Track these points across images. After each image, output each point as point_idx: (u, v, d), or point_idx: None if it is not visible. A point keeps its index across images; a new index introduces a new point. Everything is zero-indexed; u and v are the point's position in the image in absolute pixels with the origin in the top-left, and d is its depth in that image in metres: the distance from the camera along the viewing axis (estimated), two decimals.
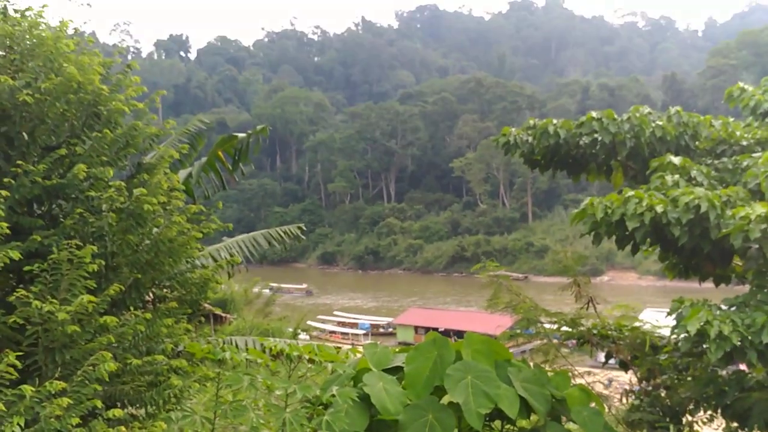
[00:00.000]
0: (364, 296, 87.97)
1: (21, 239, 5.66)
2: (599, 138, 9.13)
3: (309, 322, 52.14)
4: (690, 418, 8.38)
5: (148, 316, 6.13)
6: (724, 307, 7.05)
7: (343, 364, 5.76)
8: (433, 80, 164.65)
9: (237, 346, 8.45)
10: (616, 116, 9.25)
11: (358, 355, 6.33)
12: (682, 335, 6.91)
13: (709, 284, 8.69)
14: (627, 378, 9.57)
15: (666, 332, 8.22)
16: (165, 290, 7.12)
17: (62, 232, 5.88)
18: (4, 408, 4.52)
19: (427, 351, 5.52)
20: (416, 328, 57.74)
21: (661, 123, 9.19)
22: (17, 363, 4.77)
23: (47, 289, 5.32)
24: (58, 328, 5.20)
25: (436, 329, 42.26)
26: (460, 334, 39.01)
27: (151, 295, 7.15)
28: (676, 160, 8.32)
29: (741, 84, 9.63)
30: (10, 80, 6.03)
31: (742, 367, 7.90)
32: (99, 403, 4.99)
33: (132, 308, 6.38)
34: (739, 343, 6.38)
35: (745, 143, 9.20)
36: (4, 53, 6.47)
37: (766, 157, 7.61)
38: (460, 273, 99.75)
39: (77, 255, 5.36)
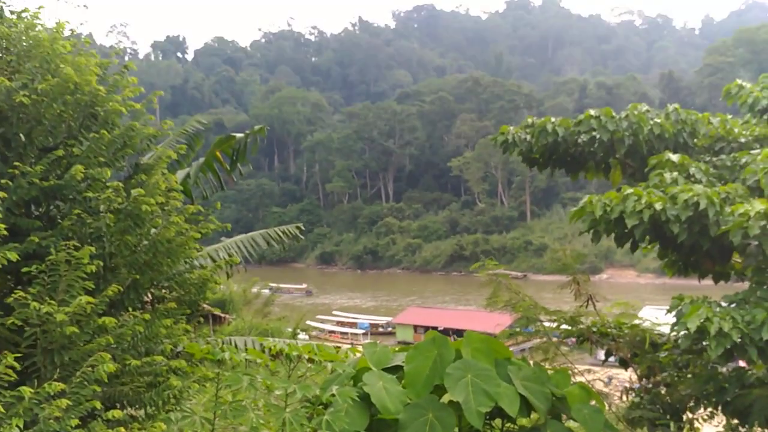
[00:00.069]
0: (362, 296, 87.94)
1: (19, 240, 5.65)
2: (597, 136, 9.13)
3: (308, 322, 52.13)
4: (690, 415, 8.37)
5: (147, 316, 6.12)
6: (723, 304, 7.04)
7: (342, 364, 5.74)
8: (431, 80, 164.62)
9: (236, 346, 8.43)
10: (614, 114, 9.25)
11: (358, 355, 6.32)
12: (682, 332, 6.90)
13: (708, 281, 8.68)
14: (627, 376, 9.56)
15: (666, 330, 8.22)
16: (163, 291, 7.11)
17: (60, 233, 5.86)
18: (3, 410, 4.50)
19: (426, 350, 5.52)
20: (415, 327, 57.74)
21: (659, 121, 9.19)
22: (16, 364, 4.76)
23: (45, 290, 5.31)
24: (57, 330, 5.18)
25: (435, 328, 42.27)
26: (459, 332, 39.03)
27: (149, 295, 7.13)
28: (675, 157, 8.31)
29: (739, 81, 9.63)
30: (7, 81, 6.02)
31: (742, 364, 7.91)
32: (98, 404, 4.97)
33: (131, 309, 6.36)
34: (739, 340, 6.38)
35: (743, 140, 9.20)
36: (0, 55, 6.45)
37: (765, 154, 7.60)
38: (459, 272, 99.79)
39: (75, 256, 5.35)
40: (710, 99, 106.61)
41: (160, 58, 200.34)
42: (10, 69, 6.36)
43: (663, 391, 8.56)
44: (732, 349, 6.45)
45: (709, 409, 8.22)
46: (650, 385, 8.75)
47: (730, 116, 9.70)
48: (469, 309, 61.36)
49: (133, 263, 6.35)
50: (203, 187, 10.36)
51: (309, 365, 5.96)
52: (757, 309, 6.55)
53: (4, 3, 6.78)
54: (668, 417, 8.25)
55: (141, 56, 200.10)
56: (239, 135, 10.46)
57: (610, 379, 11.04)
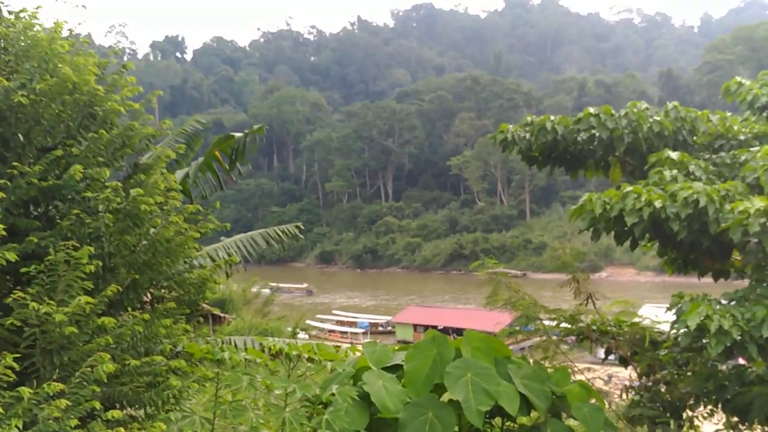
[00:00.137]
0: (362, 295, 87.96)
1: (17, 241, 5.64)
2: (597, 134, 9.13)
3: (308, 322, 52.12)
4: (690, 413, 8.37)
5: (146, 316, 6.11)
6: (723, 301, 7.04)
7: (342, 363, 5.74)
8: (430, 78, 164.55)
9: (236, 345, 8.43)
10: (613, 112, 9.25)
11: (358, 354, 6.32)
12: (682, 330, 6.90)
13: (707, 279, 8.68)
14: (627, 374, 9.56)
15: (665, 327, 8.21)
16: (163, 291, 7.09)
17: (59, 233, 5.85)
18: (2, 410, 4.49)
19: (426, 349, 5.51)
20: (415, 326, 57.73)
21: (658, 118, 9.19)
22: (15, 365, 4.75)
23: (44, 290, 5.30)
24: (56, 330, 5.17)
25: (435, 327, 42.26)
26: (459, 331, 39.01)
27: (149, 295, 7.12)
28: (674, 155, 8.31)
29: (738, 78, 9.62)
30: (5, 81, 6.01)
31: (742, 361, 7.90)
32: (97, 405, 4.96)
33: (130, 309, 6.35)
34: (739, 338, 6.38)
35: (742, 138, 9.20)
36: None
37: (764, 151, 7.60)
38: (459, 271, 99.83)
39: (74, 256, 5.34)
40: (709, 97, 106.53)
41: (159, 58, 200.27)
42: (8, 69, 6.35)
43: (663, 389, 8.55)
44: (732, 346, 6.46)
45: (709, 407, 8.21)
46: (650, 383, 8.74)
47: (729, 114, 9.70)
48: (469, 308, 61.37)
49: (132, 263, 6.34)
50: (202, 186, 10.35)
51: (309, 365, 5.95)
52: (757, 306, 6.54)
53: (2, 3, 6.77)
54: (668, 415, 8.25)
55: (140, 56, 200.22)
56: (238, 134, 10.45)
57: (610, 377, 11.04)
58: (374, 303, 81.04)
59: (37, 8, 6.68)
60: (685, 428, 8.35)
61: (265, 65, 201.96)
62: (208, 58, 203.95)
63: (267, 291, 50.15)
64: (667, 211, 7.07)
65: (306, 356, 5.77)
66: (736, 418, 7.81)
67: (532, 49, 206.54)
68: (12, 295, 5.19)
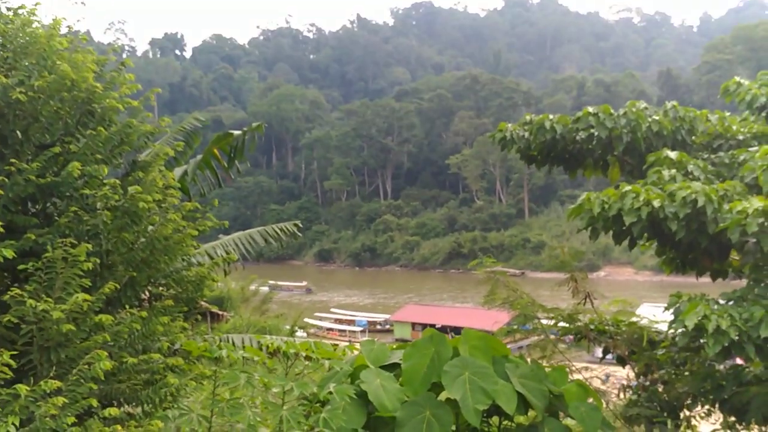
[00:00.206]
0: (360, 293, 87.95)
1: (15, 238, 5.63)
2: (596, 133, 9.12)
3: (306, 320, 52.10)
4: (688, 412, 8.37)
5: (144, 314, 6.11)
6: (721, 301, 7.04)
7: (340, 361, 5.74)
8: (429, 77, 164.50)
9: (234, 343, 8.42)
10: (612, 111, 9.24)
11: (355, 352, 6.31)
12: (680, 330, 6.90)
13: (706, 279, 8.68)
14: (624, 373, 9.56)
15: (663, 327, 8.21)
16: (161, 288, 7.09)
17: (57, 230, 5.85)
18: None
19: (424, 347, 5.51)
20: (413, 324, 57.67)
21: (657, 118, 9.19)
22: (12, 362, 4.75)
23: (42, 287, 5.30)
24: (53, 327, 5.17)
25: (433, 326, 42.23)
26: (457, 330, 38.97)
27: (147, 293, 7.12)
28: (673, 154, 8.31)
29: (737, 78, 9.61)
30: (3, 78, 6.01)
31: (740, 361, 7.91)
32: (95, 402, 4.96)
33: (128, 306, 6.35)
34: (737, 338, 6.37)
35: (741, 137, 9.20)
36: None
37: (763, 151, 7.59)
38: (457, 269, 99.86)
39: (72, 253, 5.33)
40: (708, 96, 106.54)
41: (158, 56, 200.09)
42: (6, 66, 6.34)
43: (660, 389, 8.56)
44: (729, 346, 6.45)
45: (707, 407, 8.21)
46: (648, 383, 8.75)
47: (728, 113, 9.70)
48: (467, 306, 61.36)
49: (130, 260, 6.34)
50: (201, 184, 10.34)
51: (306, 363, 5.96)
52: (755, 306, 6.55)
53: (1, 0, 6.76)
54: (665, 414, 8.25)
55: (139, 53, 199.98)
56: (237, 132, 10.44)
57: (608, 376, 11.02)
58: (372, 301, 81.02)
59: (35, 5, 6.67)
60: (682, 428, 8.35)
61: (264, 63, 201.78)
62: (208, 56, 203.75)
63: (265, 289, 50.11)
64: (666, 211, 7.07)
65: (304, 354, 5.77)
66: (733, 418, 7.82)
67: (531, 47, 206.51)
68: (9, 292, 5.19)
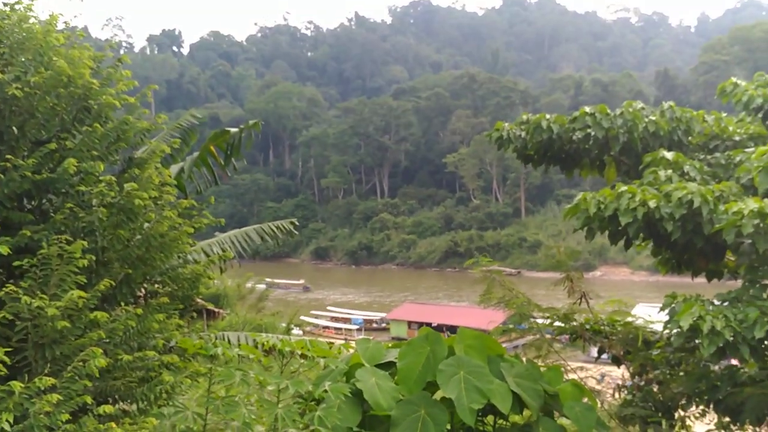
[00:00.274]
0: (356, 291, 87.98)
1: (10, 234, 5.61)
2: (592, 133, 9.13)
3: (302, 317, 52.10)
4: (682, 413, 8.39)
5: (139, 311, 6.10)
6: (716, 302, 7.06)
7: (335, 360, 5.73)
8: (427, 76, 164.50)
9: (229, 341, 8.41)
10: (609, 111, 9.25)
11: (351, 351, 6.31)
12: (675, 330, 6.92)
13: (701, 279, 8.70)
14: (619, 373, 9.57)
15: (658, 327, 8.23)
16: (156, 286, 7.08)
17: (52, 227, 5.83)
18: None
19: (419, 346, 5.51)
20: (409, 323, 57.74)
21: (654, 118, 9.20)
22: (6, 359, 4.73)
23: (37, 284, 5.28)
24: (48, 324, 5.15)
25: (429, 324, 42.22)
26: (453, 329, 39.03)
27: (142, 290, 7.10)
28: (669, 155, 8.33)
29: (734, 79, 9.63)
30: (0, 74, 5.98)
31: (735, 362, 7.92)
32: (89, 399, 4.94)
33: (123, 304, 6.33)
34: (731, 339, 6.39)
35: (737, 138, 9.22)
36: None
37: (759, 152, 7.60)
38: (453, 268, 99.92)
39: (67, 250, 5.31)
40: (705, 97, 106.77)
41: (156, 52, 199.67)
42: (2, 61, 6.31)
43: (655, 389, 8.58)
44: (724, 347, 6.47)
45: (701, 407, 8.24)
46: (643, 383, 8.76)
47: (725, 114, 9.71)
48: (464, 305, 61.42)
49: (125, 258, 6.32)
50: (197, 181, 10.32)
51: (302, 361, 5.95)
52: (750, 307, 6.56)
53: None
54: (660, 414, 8.27)
55: (137, 50, 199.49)
56: (233, 130, 10.42)
57: (603, 376, 11.03)
58: (368, 299, 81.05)
59: (32, 0, 6.65)
60: (676, 428, 8.37)
61: (262, 60, 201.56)
62: (205, 53, 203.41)
63: (262, 286, 50.08)
64: (662, 211, 7.09)
65: (299, 353, 5.77)
66: (727, 419, 7.84)
67: (529, 47, 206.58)
68: (4, 289, 5.16)
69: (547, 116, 9.57)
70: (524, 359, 6.13)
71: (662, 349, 8.63)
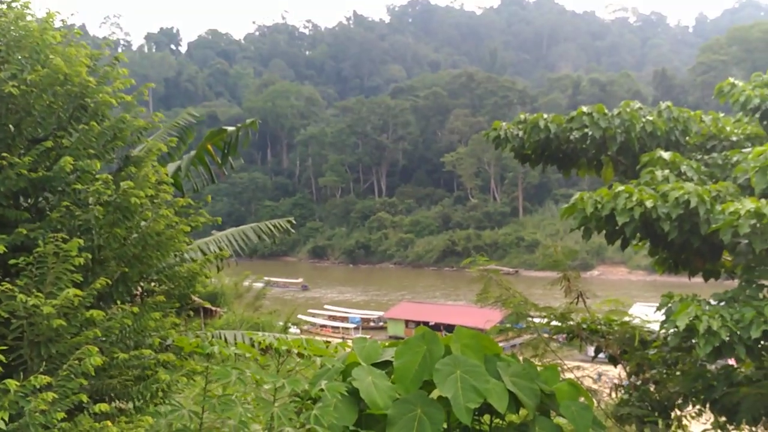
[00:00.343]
0: (354, 290, 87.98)
1: (7, 232, 5.61)
2: (590, 133, 9.13)
3: (300, 316, 52.07)
4: (678, 412, 8.39)
5: (136, 310, 6.09)
6: (713, 302, 7.06)
7: (332, 359, 5.73)
8: (425, 75, 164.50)
9: (226, 340, 8.41)
10: (606, 111, 9.25)
11: (348, 350, 6.31)
12: (671, 330, 6.92)
13: (699, 279, 8.71)
14: (616, 372, 9.58)
15: (655, 327, 8.24)
16: (153, 284, 7.07)
17: (48, 225, 5.82)
18: None
19: (416, 345, 5.51)
20: (407, 322, 57.74)
21: (651, 118, 9.20)
22: (2, 357, 4.73)
23: (33, 282, 5.27)
24: (44, 322, 5.15)
25: (426, 323, 42.21)
26: (450, 328, 38.96)
27: (139, 289, 7.10)
28: (666, 155, 8.33)
29: (731, 79, 9.64)
30: None
31: (731, 362, 7.93)
32: (85, 398, 4.94)
33: (119, 302, 6.32)
34: (727, 338, 6.39)
35: (735, 139, 9.23)
36: None
37: (755, 153, 7.61)
38: (451, 267, 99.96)
39: (63, 248, 5.31)
40: (703, 97, 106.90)
41: (154, 50, 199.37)
42: None
43: (652, 388, 8.58)
44: (720, 347, 6.47)
45: (698, 407, 8.24)
46: (639, 382, 8.77)
47: (722, 114, 9.72)
48: (462, 305, 61.42)
49: (122, 256, 6.31)
50: (194, 180, 10.31)
51: (299, 360, 5.95)
52: (746, 308, 6.57)
53: None
54: (657, 414, 8.27)
55: (134, 48, 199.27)
56: (231, 128, 10.40)
57: (600, 375, 11.04)
58: (366, 298, 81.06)
59: None
60: (673, 427, 8.38)
61: (260, 59, 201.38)
62: (203, 51, 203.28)
63: (259, 285, 50.03)
64: (658, 211, 7.09)
65: (296, 351, 5.76)
66: (723, 418, 7.84)
67: (527, 46, 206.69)
68: (0, 287, 5.16)
69: (545, 116, 9.58)
70: (521, 358, 6.13)
71: (659, 349, 8.63)
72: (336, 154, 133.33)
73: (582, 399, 5.79)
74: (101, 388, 5.80)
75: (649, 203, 7.12)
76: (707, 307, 6.75)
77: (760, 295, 6.95)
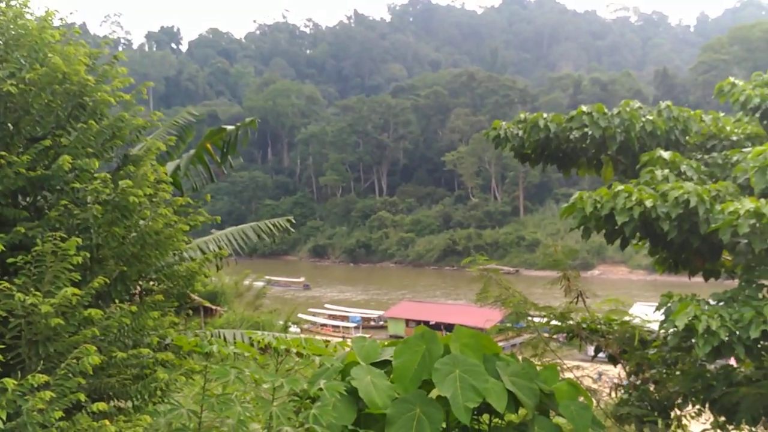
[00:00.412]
0: (354, 289, 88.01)
1: (5, 231, 5.61)
2: (589, 132, 9.12)
3: (300, 315, 52.07)
4: (678, 412, 8.38)
5: (134, 308, 6.08)
6: (712, 302, 7.05)
7: (331, 358, 5.72)
8: (426, 74, 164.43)
9: (225, 339, 8.40)
10: (606, 110, 9.23)
11: (347, 349, 6.30)
12: (671, 330, 6.91)
13: (699, 278, 8.70)
14: (616, 372, 9.57)
15: (655, 327, 8.23)
16: (151, 283, 7.07)
17: (47, 223, 5.82)
18: None
19: (415, 345, 5.50)
20: (407, 321, 57.74)
21: (651, 118, 9.19)
22: (0, 356, 4.72)
23: (31, 281, 5.27)
24: (42, 321, 5.14)
25: (427, 322, 42.26)
26: (451, 327, 38.88)
27: (137, 287, 7.09)
28: (666, 154, 8.31)
29: (731, 79, 9.62)
30: None
31: (731, 361, 7.92)
32: (83, 397, 4.93)
33: (117, 301, 6.32)
34: (726, 338, 6.38)
35: (735, 138, 9.21)
36: None
37: (755, 152, 7.60)
38: (452, 266, 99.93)
39: (62, 247, 5.30)
40: (704, 96, 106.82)
41: (154, 49, 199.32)
42: None
43: (651, 388, 8.57)
44: (720, 347, 6.46)
45: (697, 407, 8.23)
46: (639, 382, 8.76)
47: (722, 114, 9.70)
48: (462, 304, 61.40)
49: (120, 255, 6.31)
50: (193, 179, 10.31)
51: (297, 359, 5.94)
52: (745, 307, 6.55)
53: None
54: (656, 414, 8.26)
55: (135, 47, 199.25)
56: (230, 127, 10.40)
57: (600, 375, 11.03)
58: (366, 297, 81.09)
59: None
60: (672, 427, 8.37)
61: (260, 58, 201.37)
62: (204, 50, 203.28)
63: (260, 284, 50.03)
64: (658, 211, 7.07)
65: (295, 351, 5.75)
66: (723, 418, 7.84)
67: (528, 45, 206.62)
68: None
69: (545, 115, 9.56)
70: (520, 358, 6.13)
71: (659, 349, 8.62)
72: (337, 153, 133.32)
73: (581, 398, 5.78)
74: (99, 387, 5.80)
75: (648, 203, 7.10)
76: (706, 307, 6.74)
77: (760, 295, 6.94)
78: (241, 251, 10.12)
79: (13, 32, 6.38)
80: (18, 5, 6.51)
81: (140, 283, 7.01)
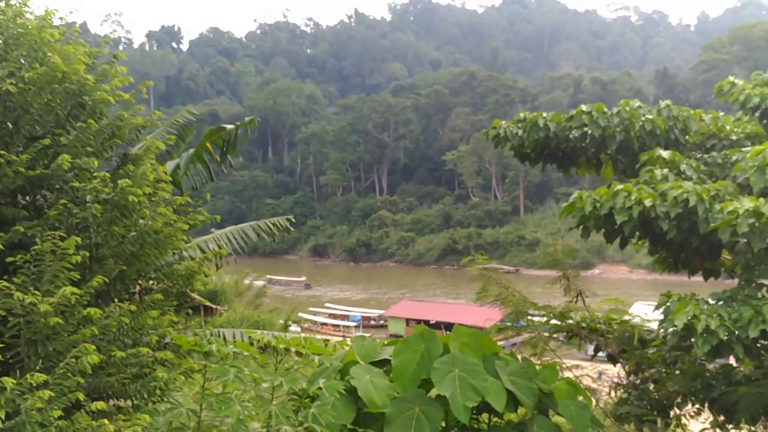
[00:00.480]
0: (354, 288, 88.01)
1: (4, 230, 5.61)
2: (589, 131, 9.11)
3: (300, 314, 52.08)
4: (677, 411, 8.39)
5: (133, 308, 6.08)
6: (711, 301, 7.05)
7: (330, 357, 5.73)
8: (426, 73, 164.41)
9: (225, 338, 8.41)
10: (606, 110, 9.23)
11: (346, 348, 6.31)
12: (670, 329, 6.91)
13: (699, 278, 8.69)
14: (615, 371, 9.57)
15: (655, 326, 8.22)
16: (151, 282, 7.08)
17: (46, 222, 5.83)
18: None
19: (414, 344, 5.50)
20: (407, 320, 57.75)
21: (650, 117, 9.18)
22: None
23: (30, 280, 5.27)
24: (41, 320, 5.14)
25: (427, 322, 42.29)
26: (451, 326, 38.88)
27: (137, 287, 7.10)
28: (666, 154, 8.31)
29: (731, 78, 9.61)
30: None
31: (730, 361, 7.92)
32: (82, 396, 4.93)
33: (117, 300, 6.33)
34: (725, 338, 6.38)
35: (734, 138, 9.21)
36: None
37: (754, 152, 7.59)
38: (452, 266, 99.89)
39: (61, 246, 5.30)
40: (705, 96, 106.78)
41: (155, 48, 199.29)
42: None
43: (651, 387, 8.57)
44: (719, 346, 6.46)
45: (696, 406, 8.23)
46: (638, 381, 8.76)
47: (722, 113, 9.70)
48: (462, 303, 61.40)
49: (119, 254, 6.31)
50: (193, 178, 10.31)
51: (297, 358, 5.94)
52: (744, 307, 6.55)
53: None
54: (656, 413, 8.26)
55: (136, 46, 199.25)
56: (230, 126, 10.40)
57: (600, 374, 11.03)
58: (366, 296, 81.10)
59: None
60: (672, 426, 8.37)
61: (261, 57, 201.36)
62: (204, 49, 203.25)
63: (260, 283, 50.04)
64: (657, 210, 7.07)
65: (294, 350, 5.76)
66: (722, 417, 7.84)
67: (528, 45, 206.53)
68: None
69: (544, 114, 9.56)
70: (520, 357, 6.13)
71: (658, 348, 8.62)
72: (337, 152, 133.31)
73: (580, 398, 5.78)
74: (98, 386, 5.80)
75: (647, 202, 7.10)
76: (705, 306, 6.74)
77: (759, 295, 6.94)
78: (242, 250, 10.12)
79: (12, 31, 6.38)
80: (18, 4, 6.52)
81: (139, 282, 7.01)
